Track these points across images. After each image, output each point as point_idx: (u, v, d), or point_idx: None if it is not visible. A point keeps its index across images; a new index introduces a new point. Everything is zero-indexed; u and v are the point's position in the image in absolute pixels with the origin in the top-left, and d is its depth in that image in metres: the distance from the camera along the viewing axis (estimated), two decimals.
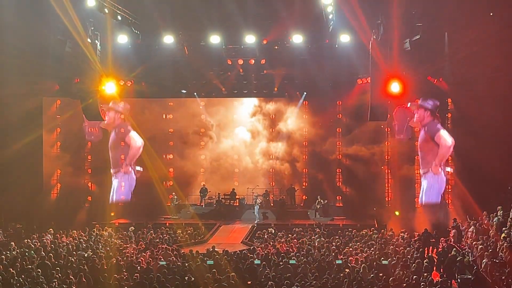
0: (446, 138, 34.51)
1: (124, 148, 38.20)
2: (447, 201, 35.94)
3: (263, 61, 35.66)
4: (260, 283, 21.08)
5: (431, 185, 34.67)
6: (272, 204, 38.86)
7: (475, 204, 32.48)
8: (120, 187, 37.97)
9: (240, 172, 40.83)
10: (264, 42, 34.16)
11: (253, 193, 38.53)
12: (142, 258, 24.74)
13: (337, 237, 29.46)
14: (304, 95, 39.04)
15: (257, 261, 24.15)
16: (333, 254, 25.19)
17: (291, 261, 23.91)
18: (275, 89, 38.22)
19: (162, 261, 24.79)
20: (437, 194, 34.70)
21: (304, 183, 40.24)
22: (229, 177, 40.76)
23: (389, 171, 38.09)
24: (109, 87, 31.64)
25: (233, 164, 40.92)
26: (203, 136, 41.19)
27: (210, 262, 23.84)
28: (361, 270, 22.01)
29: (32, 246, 26.75)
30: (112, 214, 37.45)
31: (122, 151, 38.24)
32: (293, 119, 40.10)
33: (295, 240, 29.34)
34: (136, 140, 38.05)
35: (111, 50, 33.03)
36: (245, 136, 41.03)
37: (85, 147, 39.11)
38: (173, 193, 38.80)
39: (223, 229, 35.28)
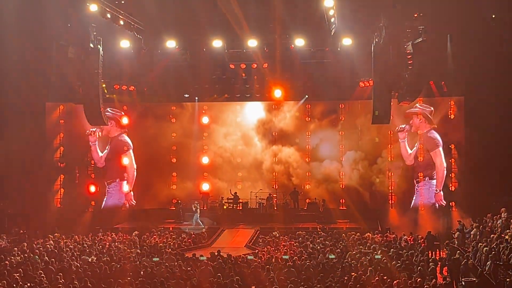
0: (442, 158, 36.19)
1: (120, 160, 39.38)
2: (450, 204, 35.95)
3: (265, 65, 35.71)
4: (264, 287, 21.06)
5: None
6: (275, 208, 38.82)
7: (479, 206, 32.47)
8: (112, 196, 39.10)
9: (243, 175, 40.78)
10: (266, 50, 34.24)
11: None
12: (145, 263, 24.70)
13: (340, 240, 29.48)
14: (305, 98, 39.03)
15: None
16: (337, 257, 25.17)
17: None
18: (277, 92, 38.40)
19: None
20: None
21: (307, 186, 40.14)
22: (232, 179, 40.77)
23: (391, 174, 38.04)
24: None
25: (235, 166, 40.95)
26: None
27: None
28: (366, 273, 22.00)
29: (36, 251, 26.73)
30: None
31: (120, 163, 39.31)
32: (295, 121, 40.17)
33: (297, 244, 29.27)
34: (132, 159, 39.52)
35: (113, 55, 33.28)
36: (248, 135, 40.96)
37: (88, 152, 39.07)
38: (178, 200, 38.91)
39: (226, 233, 35.23)
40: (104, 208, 38.61)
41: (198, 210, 36.65)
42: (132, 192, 39.41)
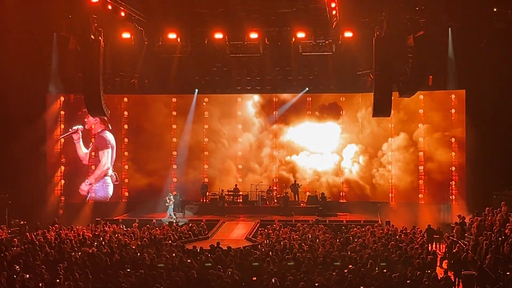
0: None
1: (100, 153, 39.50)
2: (450, 197, 36.01)
3: (266, 58, 35.72)
4: (264, 280, 21.07)
5: None
6: (275, 200, 38.82)
7: (479, 200, 32.51)
8: (96, 191, 39.21)
9: (243, 167, 40.66)
10: (267, 43, 34.20)
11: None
12: (145, 254, 24.72)
13: (340, 233, 29.50)
14: (305, 90, 38.97)
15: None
16: (337, 250, 25.18)
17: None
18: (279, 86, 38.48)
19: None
20: None
21: (307, 179, 40.08)
22: (231, 172, 40.74)
23: (392, 167, 38.12)
24: None
25: (236, 159, 40.82)
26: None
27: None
28: (366, 266, 22.02)
29: (36, 242, 26.76)
30: None
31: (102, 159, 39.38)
32: (295, 113, 40.11)
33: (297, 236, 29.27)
34: (110, 156, 39.45)
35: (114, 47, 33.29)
36: (248, 128, 40.68)
37: (89, 144, 39.07)
38: (176, 191, 38.81)
39: (226, 225, 35.21)
40: (89, 202, 38.71)
41: (172, 202, 36.60)
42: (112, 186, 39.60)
